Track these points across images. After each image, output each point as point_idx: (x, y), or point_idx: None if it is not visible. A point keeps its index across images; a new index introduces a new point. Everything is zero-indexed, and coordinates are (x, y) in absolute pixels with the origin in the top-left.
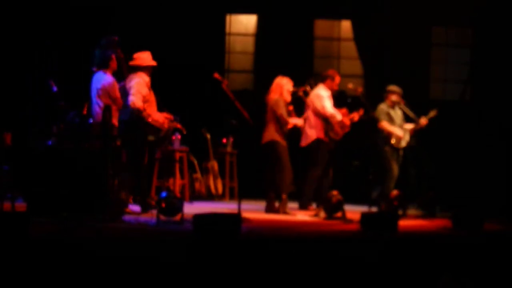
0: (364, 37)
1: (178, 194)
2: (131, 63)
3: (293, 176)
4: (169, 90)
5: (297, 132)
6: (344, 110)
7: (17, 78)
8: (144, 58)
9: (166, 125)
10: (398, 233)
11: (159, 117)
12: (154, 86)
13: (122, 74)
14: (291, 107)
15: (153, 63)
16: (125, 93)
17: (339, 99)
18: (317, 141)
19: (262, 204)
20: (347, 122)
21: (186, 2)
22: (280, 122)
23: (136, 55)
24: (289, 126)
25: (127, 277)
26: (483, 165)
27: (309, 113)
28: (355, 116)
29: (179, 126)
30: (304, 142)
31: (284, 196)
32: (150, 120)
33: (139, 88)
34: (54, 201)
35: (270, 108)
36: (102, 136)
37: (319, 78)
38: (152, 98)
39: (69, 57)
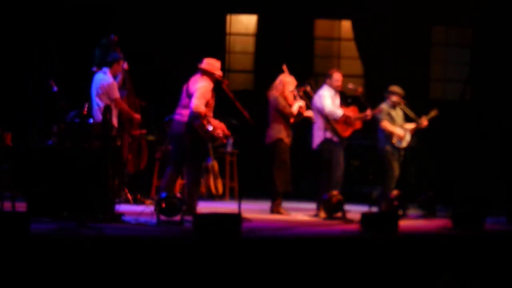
0: (364, 37)
1: (178, 194)
2: (201, 66)
3: (294, 177)
4: (169, 90)
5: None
6: (353, 107)
7: (17, 78)
8: (215, 65)
9: (221, 134)
10: (398, 233)
11: (217, 125)
12: (154, 86)
13: (124, 84)
14: (304, 103)
15: (220, 73)
16: (188, 94)
17: (344, 98)
18: (326, 141)
19: (262, 204)
20: (351, 115)
21: (186, 2)
22: (285, 117)
23: (207, 60)
24: (298, 118)
25: (127, 277)
26: (483, 165)
27: (314, 114)
28: (368, 113)
29: (228, 133)
30: (314, 144)
31: (277, 195)
32: (208, 127)
33: (204, 92)
34: (54, 201)
35: (271, 106)
36: (102, 136)
37: (322, 78)
38: (212, 103)
39: (69, 57)
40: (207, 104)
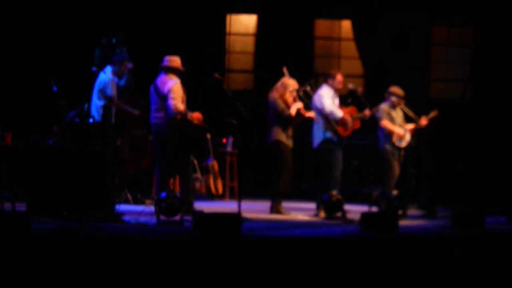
0: (364, 37)
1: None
2: (167, 64)
3: (294, 177)
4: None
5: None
6: (352, 108)
7: (17, 78)
8: (178, 61)
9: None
10: (398, 233)
11: (198, 116)
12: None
13: (129, 83)
14: (301, 104)
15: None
16: (160, 96)
17: (343, 99)
18: (326, 141)
19: (262, 204)
20: (349, 119)
21: (186, 2)
22: (284, 120)
23: (168, 57)
24: (299, 119)
25: (127, 277)
26: (484, 165)
27: (315, 114)
28: (367, 112)
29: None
30: (314, 144)
31: (278, 195)
32: (196, 122)
33: (177, 90)
34: (54, 201)
35: (270, 107)
36: (102, 136)
37: (322, 78)
38: (185, 98)
39: (69, 57)
40: (182, 100)
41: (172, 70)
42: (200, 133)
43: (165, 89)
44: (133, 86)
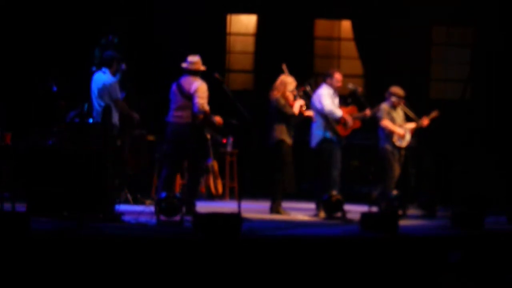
0: (364, 37)
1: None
2: (191, 68)
3: (296, 178)
4: (169, 90)
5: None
6: (352, 107)
7: (17, 78)
8: (200, 63)
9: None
10: (398, 233)
11: (220, 121)
12: (154, 86)
13: (124, 84)
14: (304, 102)
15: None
16: (184, 96)
17: (343, 98)
18: (325, 140)
19: (262, 204)
20: (349, 118)
21: (186, 2)
22: (287, 118)
23: (191, 59)
24: (299, 117)
25: (127, 277)
26: (484, 165)
27: (314, 113)
28: (367, 112)
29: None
30: (313, 143)
31: (278, 195)
32: (217, 125)
33: (205, 91)
34: (54, 201)
35: (272, 107)
36: (102, 136)
37: (320, 77)
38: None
39: (69, 57)
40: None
41: (196, 73)
42: (218, 131)
43: (192, 88)
44: (128, 86)
